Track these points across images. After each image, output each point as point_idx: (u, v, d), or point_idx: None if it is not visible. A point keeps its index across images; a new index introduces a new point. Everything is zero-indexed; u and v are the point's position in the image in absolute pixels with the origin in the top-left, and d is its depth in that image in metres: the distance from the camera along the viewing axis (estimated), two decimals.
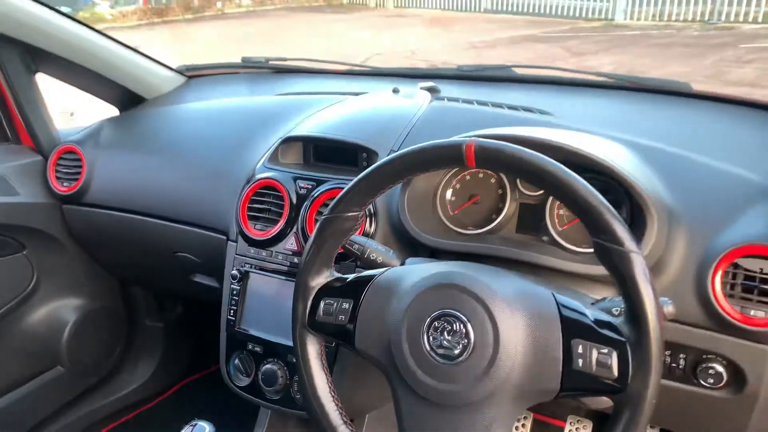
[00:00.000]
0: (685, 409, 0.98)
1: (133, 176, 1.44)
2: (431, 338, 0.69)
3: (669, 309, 0.71)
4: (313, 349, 0.80)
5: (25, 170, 1.47)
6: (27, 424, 1.54)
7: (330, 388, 0.79)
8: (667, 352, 0.93)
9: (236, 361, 1.16)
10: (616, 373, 0.64)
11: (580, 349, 0.65)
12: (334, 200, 0.79)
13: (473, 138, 0.70)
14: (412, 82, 1.40)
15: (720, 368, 0.90)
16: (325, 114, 1.29)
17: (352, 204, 0.77)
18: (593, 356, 0.65)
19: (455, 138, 0.72)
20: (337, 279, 0.80)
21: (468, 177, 1.07)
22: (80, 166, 1.46)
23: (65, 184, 1.48)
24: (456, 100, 1.30)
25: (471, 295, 0.69)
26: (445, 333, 0.69)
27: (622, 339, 0.64)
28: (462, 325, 0.68)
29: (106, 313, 1.73)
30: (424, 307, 0.71)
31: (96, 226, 1.49)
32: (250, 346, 1.15)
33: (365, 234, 1.05)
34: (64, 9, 1.46)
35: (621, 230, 0.64)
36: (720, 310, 0.85)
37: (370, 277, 0.78)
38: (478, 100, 1.28)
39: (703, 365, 0.91)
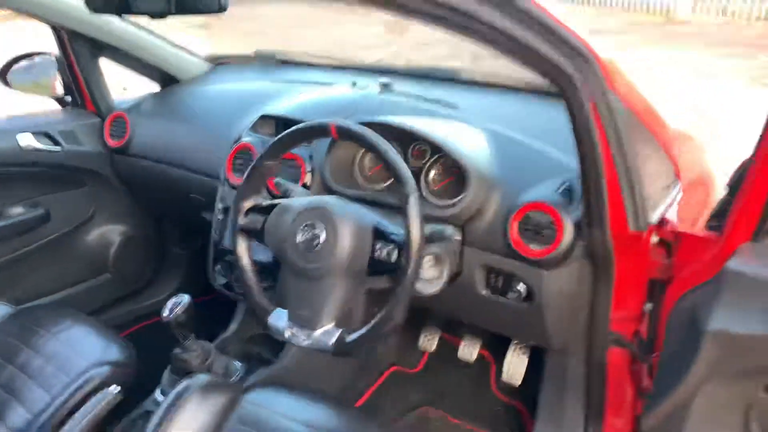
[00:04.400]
0: (504, 316, 1.41)
1: (163, 136, 1.93)
2: (301, 236, 1.16)
3: (450, 232, 1.15)
4: (243, 244, 1.27)
5: (88, 128, 1.99)
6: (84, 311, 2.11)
7: (253, 270, 1.27)
8: (493, 274, 1.36)
9: (218, 267, 1.66)
10: (394, 259, 1.09)
11: (379, 246, 1.11)
12: (260, 155, 1.26)
13: (335, 119, 1.16)
14: (377, 76, 1.82)
15: (521, 287, 1.32)
16: (297, 99, 1.74)
17: (269, 158, 1.24)
18: (385, 250, 1.11)
19: (325, 119, 1.18)
20: (259, 204, 1.27)
21: None
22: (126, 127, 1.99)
23: (115, 139, 1.99)
24: (407, 94, 1.71)
25: (326, 212, 1.15)
26: (309, 233, 1.15)
27: (400, 241, 1.09)
28: (319, 230, 1.15)
29: (143, 240, 2.26)
30: (300, 218, 1.17)
31: (136, 171, 2.00)
32: (227, 258, 1.65)
33: (304, 185, 1.52)
34: None
35: (406, 178, 1.08)
36: (514, 245, 1.27)
37: (276, 204, 1.25)
38: (411, 93, 1.70)
39: (511, 284, 1.33)
